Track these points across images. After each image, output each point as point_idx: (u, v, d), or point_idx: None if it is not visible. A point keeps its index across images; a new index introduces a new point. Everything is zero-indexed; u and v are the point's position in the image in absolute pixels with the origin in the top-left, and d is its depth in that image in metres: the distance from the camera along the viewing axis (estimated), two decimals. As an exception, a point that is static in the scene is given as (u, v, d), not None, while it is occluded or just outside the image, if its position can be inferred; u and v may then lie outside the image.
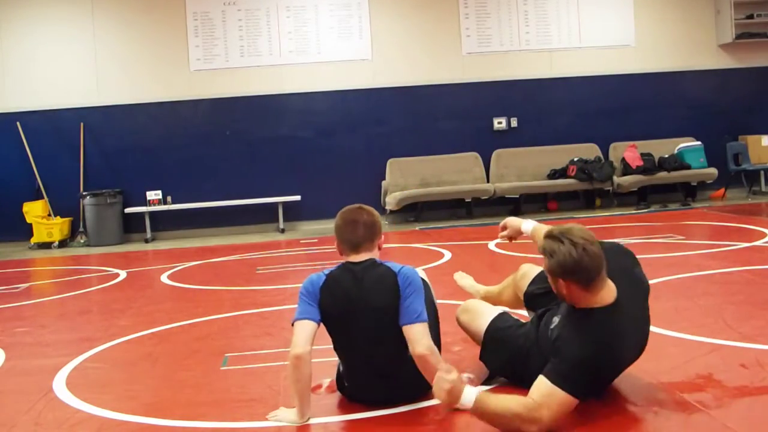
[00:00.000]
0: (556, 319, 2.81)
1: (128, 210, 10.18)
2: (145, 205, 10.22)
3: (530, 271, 3.40)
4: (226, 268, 7.32)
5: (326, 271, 2.94)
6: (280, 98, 10.52)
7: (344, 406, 3.00)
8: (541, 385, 2.56)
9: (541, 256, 2.71)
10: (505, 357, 3.02)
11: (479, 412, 2.54)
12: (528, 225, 3.34)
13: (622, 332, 2.65)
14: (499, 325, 3.11)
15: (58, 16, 10.30)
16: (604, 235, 7.61)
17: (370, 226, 2.94)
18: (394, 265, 2.90)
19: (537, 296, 3.23)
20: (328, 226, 10.38)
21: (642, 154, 10.43)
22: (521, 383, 2.81)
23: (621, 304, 2.65)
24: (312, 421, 2.86)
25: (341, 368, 3.03)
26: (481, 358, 3.14)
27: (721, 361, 3.24)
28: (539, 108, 10.78)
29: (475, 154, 10.60)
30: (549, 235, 2.70)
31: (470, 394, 2.54)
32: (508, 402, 2.55)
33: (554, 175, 10.44)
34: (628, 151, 10.47)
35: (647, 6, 10.91)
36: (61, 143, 10.27)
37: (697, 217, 8.79)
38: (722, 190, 10.66)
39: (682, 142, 10.64)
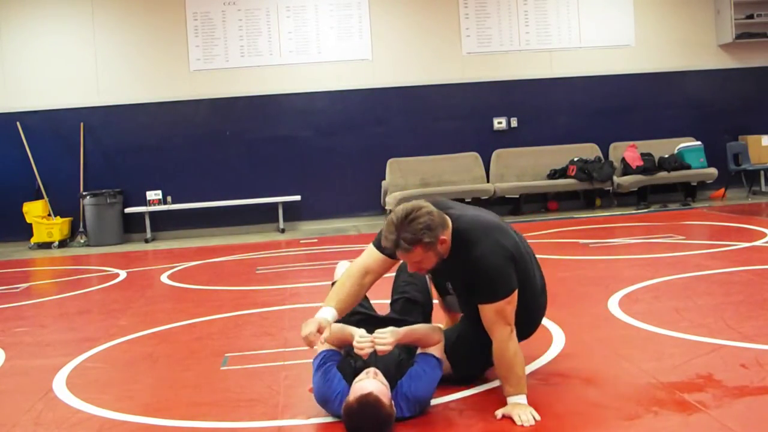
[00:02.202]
0: (449, 285, 3.08)
1: (128, 210, 10.18)
2: (145, 205, 10.21)
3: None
4: (226, 268, 7.32)
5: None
6: (280, 98, 10.51)
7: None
8: (487, 313, 2.82)
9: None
10: (466, 354, 3.09)
11: (525, 390, 2.82)
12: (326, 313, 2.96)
13: (490, 219, 3.00)
14: (446, 336, 3.12)
15: (59, 16, 10.30)
16: (605, 235, 7.63)
17: None
18: None
19: (440, 287, 3.31)
20: (328, 226, 10.42)
21: (642, 154, 10.43)
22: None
23: (467, 212, 2.99)
24: (310, 421, 2.87)
25: None
26: (455, 373, 3.13)
27: (721, 361, 3.24)
28: (539, 108, 10.78)
29: (475, 154, 10.60)
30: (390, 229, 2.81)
31: (520, 399, 2.79)
32: (499, 364, 2.83)
33: (554, 175, 10.43)
34: (628, 151, 10.47)
35: (647, 6, 10.91)
36: (61, 143, 10.27)
37: (697, 217, 8.78)
38: (722, 190, 10.65)
39: (682, 142, 10.64)
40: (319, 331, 2.79)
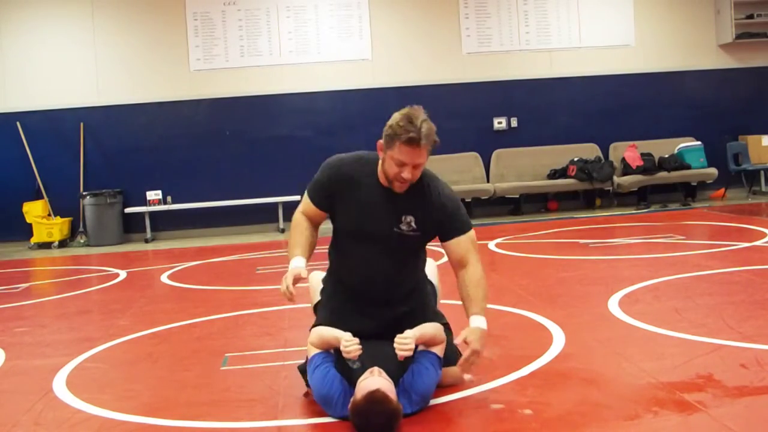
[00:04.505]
0: (410, 219, 3.04)
1: (128, 210, 10.18)
2: (145, 205, 10.22)
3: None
4: (226, 268, 7.32)
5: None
6: (280, 98, 10.51)
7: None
8: (464, 243, 3.03)
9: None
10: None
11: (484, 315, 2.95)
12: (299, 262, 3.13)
13: None
14: None
15: (59, 16, 10.30)
16: (605, 235, 7.63)
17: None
18: None
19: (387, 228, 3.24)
20: (328, 226, 10.40)
21: (642, 154, 10.43)
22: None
23: None
24: (310, 421, 2.87)
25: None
26: None
27: (721, 361, 3.24)
28: (539, 108, 10.78)
29: (475, 154, 10.60)
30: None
31: (480, 323, 2.91)
32: (476, 285, 2.98)
33: (554, 175, 10.44)
34: (628, 151, 10.47)
35: (647, 6, 10.91)
36: (61, 143, 10.27)
37: (697, 217, 8.78)
38: (722, 190, 10.66)
39: (682, 142, 10.64)
40: (296, 281, 2.96)
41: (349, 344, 2.84)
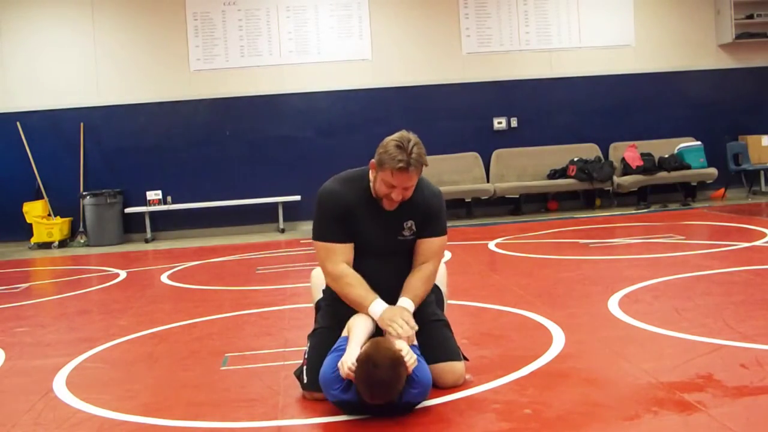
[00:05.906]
0: (411, 223, 3.15)
1: (128, 210, 10.19)
2: (145, 205, 10.22)
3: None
4: (226, 268, 7.32)
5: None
6: (280, 98, 10.52)
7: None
8: (437, 245, 3.16)
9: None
10: None
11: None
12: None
13: None
14: None
15: (59, 17, 10.30)
16: (605, 235, 7.63)
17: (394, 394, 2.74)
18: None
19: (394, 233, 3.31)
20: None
21: (642, 154, 10.44)
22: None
23: None
24: (310, 421, 2.87)
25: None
26: None
27: (721, 361, 3.24)
28: (539, 108, 10.78)
29: (475, 154, 10.60)
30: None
31: (406, 304, 3.04)
32: (423, 281, 3.12)
33: (554, 175, 10.44)
34: (628, 151, 10.47)
35: (647, 6, 10.91)
36: (61, 143, 10.27)
37: (697, 217, 8.79)
38: (722, 190, 10.66)
39: (682, 142, 10.64)
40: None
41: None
